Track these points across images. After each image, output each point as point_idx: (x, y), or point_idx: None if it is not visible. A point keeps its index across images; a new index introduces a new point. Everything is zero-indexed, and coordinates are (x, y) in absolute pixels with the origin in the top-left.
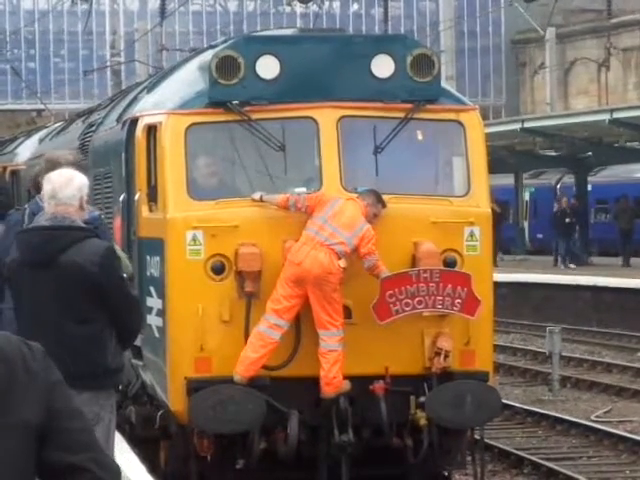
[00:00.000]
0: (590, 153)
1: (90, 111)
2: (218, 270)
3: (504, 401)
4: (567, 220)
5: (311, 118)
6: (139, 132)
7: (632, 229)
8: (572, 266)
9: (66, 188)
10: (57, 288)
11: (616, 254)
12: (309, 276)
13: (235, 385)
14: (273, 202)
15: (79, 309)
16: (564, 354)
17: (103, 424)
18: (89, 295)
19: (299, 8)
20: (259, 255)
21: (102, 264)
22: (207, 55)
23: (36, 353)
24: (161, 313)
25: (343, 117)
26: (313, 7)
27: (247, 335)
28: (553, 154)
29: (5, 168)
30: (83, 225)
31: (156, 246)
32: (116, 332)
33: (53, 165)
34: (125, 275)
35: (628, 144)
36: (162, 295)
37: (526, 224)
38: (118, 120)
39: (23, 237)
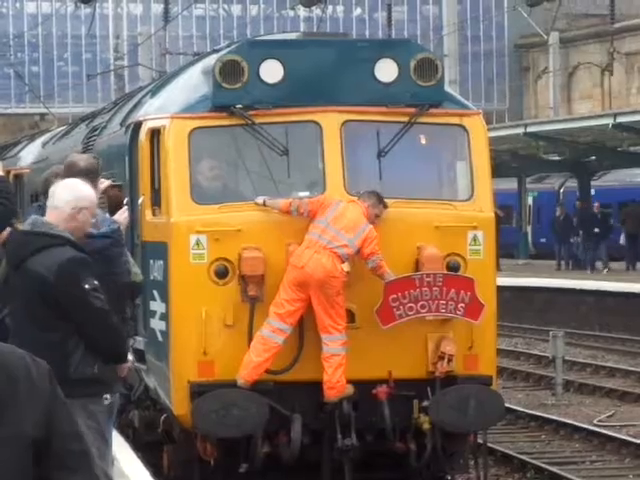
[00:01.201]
0: (593, 157)
1: (93, 115)
2: (221, 274)
3: (507, 405)
4: (596, 227)
5: (315, 122)
6: (143, 136)
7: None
8: (605, 272)
9: (62, 193)
10: (21, 294)
11: (619, 258)
12: (312, 280)
13: (238, 389)
14: (275, 207)
15: (39, 316)
16: (567, 358)
17: None
18: (47, 303)
19: (302, 12)
20: (262, 259)
21: (59, 274)
22: (211, 59)
23: (41, 369)
24: (164, 317)
25: (347, 121)
26: (316, 11)
27: (250, 339)
28: (556, 158)
29: (8, 172)
30: (60, 233)
31: (160, 250)
32: (86, 343)
33: (70, 167)
34: (91, 287)
35: (631, 148)
36: (165, 299)
37: (529, 228)
38: (122, 124)
39: (9, 240)
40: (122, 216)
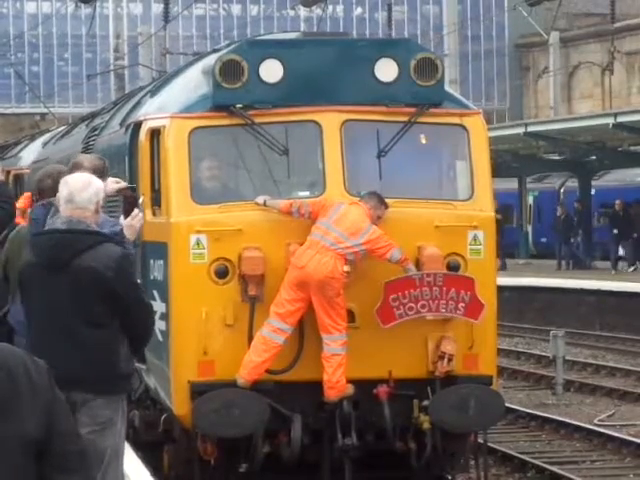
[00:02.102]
0: (594, 157)
1: (94, 115)
2: (222, 274)
3: (508, 405)
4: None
5: (315, 122)
6: (143, 136)
7: None
8: (630, 270)
9: (84, 192)
10: (71, 292)
11: (620, 258)
12: (312, 280)
13: (238, 389)
14: (276, 207)
15: (92, 314)
16: (568, 358)
17: (115, 429)
18: (103, 300)
19: (303, 12)
20: (262, 259)
21: (117, 269)
22: (211, 59)
23: (41, 369)
24: (165, 317)
25: (347, 121)
26: (317, 11)
27: (251, 339)
28: (557, 158)
29: (9, 172)
30: (98, 229)
31: (160, 250)
32: (128, 337)
33: (76, 168)
34: (139, 281)
35: (632, 148)
36: (166, 299)
37: (530, 228)
38: (122, 124)
39: (38, 240)
40: (136, 219)
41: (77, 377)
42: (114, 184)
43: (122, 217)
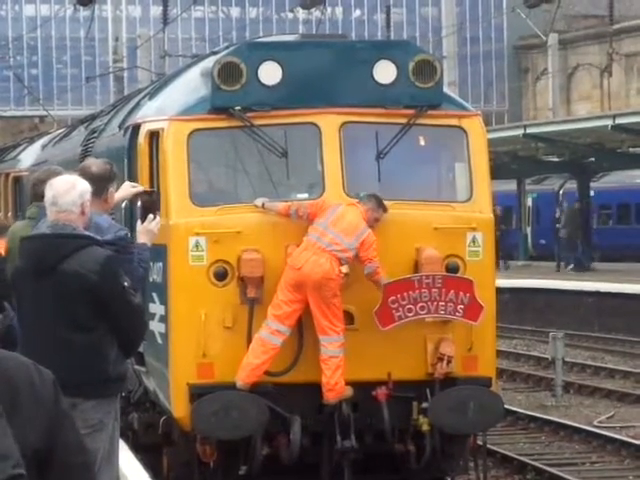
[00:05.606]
0: (593, 159)
1: (93, 117)
2: (221, 276)
3: (507, 407)
4: None
5: (313, 124)
6: (141, 138)
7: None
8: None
9: (67, 195)
10: (57, 296)
11: (618, 260)
12: (308, 281)
13: (237, 391)
14: (274, 210)
15: (79, 317)
16: (567, 360)
17: (106, 431)
18: (89, 304)
19: (301, 14)
20: (261, 261)
21: (102, 272)
22: (209, 61)
23: (46, 380)
24: (164, 319)
25: (345, 123)
26: (316, 13)
27: (250, 341)
28: (556, 160)
29: (8, 175)
30: (84, 233)
31: (159, 252)
32: (118, 340)
33: (83, 172)
34: (128, 284)
35: (631, 150)
36: (165, 301)
37: (529, 230)
38: (120, 126)
39: (25, 244)
40: (152, 223)
41: (65, 381)
42: (131, 188)
43: (139, 222)
